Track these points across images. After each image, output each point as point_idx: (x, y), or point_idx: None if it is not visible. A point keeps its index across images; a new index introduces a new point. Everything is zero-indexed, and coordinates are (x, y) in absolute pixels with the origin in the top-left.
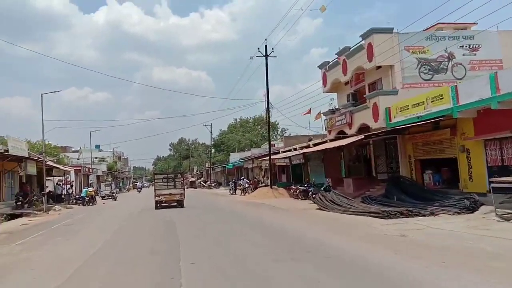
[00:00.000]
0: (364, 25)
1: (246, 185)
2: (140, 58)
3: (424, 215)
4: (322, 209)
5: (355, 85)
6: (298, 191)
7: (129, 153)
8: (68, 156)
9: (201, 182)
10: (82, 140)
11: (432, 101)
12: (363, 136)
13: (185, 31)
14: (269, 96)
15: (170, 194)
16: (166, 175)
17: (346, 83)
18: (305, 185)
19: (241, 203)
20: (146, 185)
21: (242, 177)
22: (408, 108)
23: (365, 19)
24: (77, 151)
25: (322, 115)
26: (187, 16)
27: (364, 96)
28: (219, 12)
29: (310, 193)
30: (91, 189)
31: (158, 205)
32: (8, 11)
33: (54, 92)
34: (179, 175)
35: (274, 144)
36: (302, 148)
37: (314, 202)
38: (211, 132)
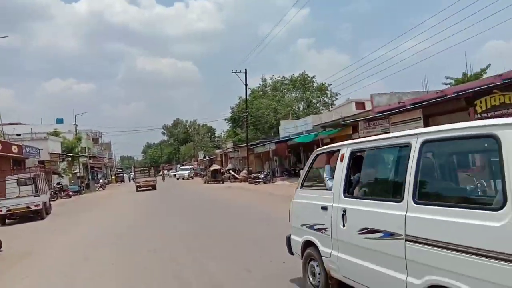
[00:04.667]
0: (350, 16)
1: None
2: (124, 48)
3: None
4: None
5: None
6: None
7: (116, 143)
8: None
9: (230, 171)
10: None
11: None
12: None
13: (170, 21)
14: None
15: (146, 180)
16: (142, 168)
17: None
18: None
19: None
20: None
21: None
22: None
23: (351, 11)
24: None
25: None
26: (172, 6)
27: None
28: (204, 2)
29: None
30: None
31: (138, 188)
32: None
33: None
34: (152, 168)
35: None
36: None
37: None
38: (246, 82)
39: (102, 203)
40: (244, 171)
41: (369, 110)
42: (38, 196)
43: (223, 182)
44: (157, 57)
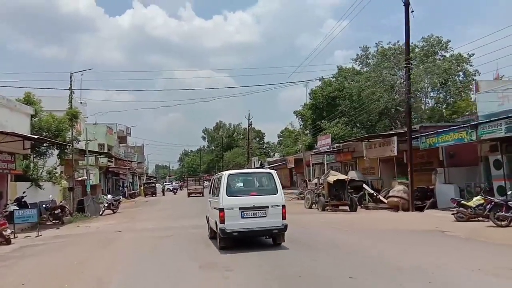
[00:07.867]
0: (391, 27)
1: None
2: (164, 60)
3: None
4: None
5: None
6: None
7: (150, 145)
8: None
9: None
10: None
11: None
12: None
13: (208, 34)
14: None
15: (195, 188)
16: (194, 178)
17: None
18: None
19: None
20: (171, 186)
21: None
22: None
23: (392, 21)
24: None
25: None
26: (211, 19)
27: None
28: (242, 15)
29: None
30: None
31: (189, 195)
32: (35, 13)
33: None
34: (201, 178)
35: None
36: None
37: None
38: None
39: None
40: (402, 187)
41: None
42: None
43: (354, 209)
44: (195, 68)
